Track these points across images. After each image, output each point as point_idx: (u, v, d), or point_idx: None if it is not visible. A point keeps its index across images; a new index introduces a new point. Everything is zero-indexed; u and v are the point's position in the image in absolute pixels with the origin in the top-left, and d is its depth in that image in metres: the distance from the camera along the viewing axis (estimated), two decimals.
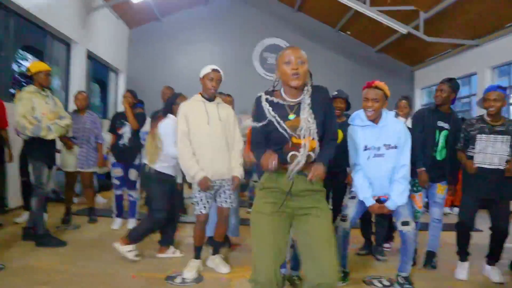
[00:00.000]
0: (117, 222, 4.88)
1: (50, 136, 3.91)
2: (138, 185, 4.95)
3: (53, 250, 3.83)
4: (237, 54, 11.22)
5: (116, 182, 4.85)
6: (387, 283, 3.31)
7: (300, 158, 1.98)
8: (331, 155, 2.11)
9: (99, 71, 9.91)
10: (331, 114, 2.14)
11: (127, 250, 3.56)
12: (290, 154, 2.01)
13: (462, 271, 3.51)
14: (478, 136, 3.41)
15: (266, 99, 2.07)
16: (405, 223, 3.07)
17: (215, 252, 3.56)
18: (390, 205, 3.03)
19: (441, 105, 3.71)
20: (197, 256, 3.41)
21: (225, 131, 3.26)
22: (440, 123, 3.69)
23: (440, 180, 3.70)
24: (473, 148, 3.44)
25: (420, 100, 11.69)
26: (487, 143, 3.38)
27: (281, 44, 11.36)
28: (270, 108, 2.05)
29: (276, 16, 11.52)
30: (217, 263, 3.50)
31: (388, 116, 3.10)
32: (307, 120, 2.01)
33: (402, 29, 8.72)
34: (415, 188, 3.74)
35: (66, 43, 7.73)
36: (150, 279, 3.22)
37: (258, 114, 2.08)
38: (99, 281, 3.10)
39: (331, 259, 1.96)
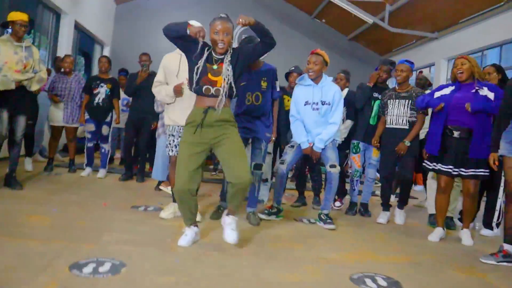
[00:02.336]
0: (86, 171, 5.59)
1: None
2: (109, 139, 5.73)
3: (39, 187, 4.50)
4: None
5: (88, 135, 5.61)
6: (313, 221, 4.07)
7: (220, 95, 2.72)
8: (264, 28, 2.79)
9: (85, 43, 10.44)
10: (246, 47, 2.91)
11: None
12: (205, 87, 2.74)
13: (383, 216, 4.26)
14: (388, 101, 4.19)
15: (208, 48, 2.80)
16: (332, 166, 3.82)
17: None
18: (315, 148, 3.81)
19: (381, 82, 4.51)
20: (175, 200, 3.58)
21: None
22: (375, 94, 4.48)
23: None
24: (387, 112, 4.21)
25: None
26: (394, 107, 4.15)
27: None
28: (207, 54, 2.78)
29: (256, 1, 12.13)
30: None
31: (327, 79, 3.90)
32: (226, 68, 2.75)
33: (368, 19, 9.46)
34: (354, 150, 4.56)
35: (56, 13, 8.26)
36: (117, 207, 3.91)
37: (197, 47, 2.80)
38: (77, 206, 3.76)
39: (242, 165, 2.72)
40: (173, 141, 3.57)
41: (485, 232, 4.02)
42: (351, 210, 4.59)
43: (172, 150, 3.57)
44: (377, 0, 9.40)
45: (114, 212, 3.67)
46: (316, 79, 3.83)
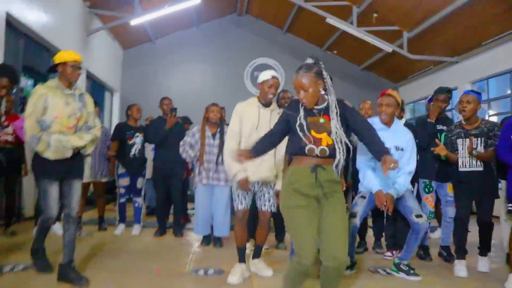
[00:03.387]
0: (120, 228, 5.16)
1: (47, 154, 3.03)
2: (142, 192, 5.30)
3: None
4: (229, 73, 11.63)
5: (122, 191, 5.17)
6: (390, 271, 3.62)
7: (338, 155, 2.31)
8: (382, 142, 2.37)
9: (96, 91, 10.16)
10: (355, 115, 2.40)
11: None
12: (308, 147, 2.30)
13: (462, 268, 3.64)
14: (457, 141, 3.73)
15: (302, 104, 2.38)
16: (418, 216, 3.40)
17: (256, 255, 3.53)
18: (392, 192, 3.32)
19: (440, 113, 4.13)
20: (241, 259, 3.34)
21: None
22: (439, 127, 4.10)
23: (448, 179, 4.01)
24: (457, 152, 3.75)
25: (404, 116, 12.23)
26: (464, 147, 3.67)
27: (271, 64, 11.86)
28: (302, 109, 2.38)
29: (266, 37, 12.02)
30: (259, 267, 3.47)
31: (399, 122, 3.56)
32: (335, 126, 2.31)
33: (387, 47, 9.27)
34: (426, 190, 4.12)
35: None
36: (173, 273, 3.46)
37: (291, 110, 2.42)
38: (128, 276, 3.32)
39: (341, 244, 2.27)
40: (242, 193, 3.26)
41: None
42: (428, 255, 4.16)
43: (242, 203, 3.29)
44: (393, 29, 9.25)
45: (174, 281, 3.23)
46: (388, 122, 3.48)
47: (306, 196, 2.31)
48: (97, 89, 10.10)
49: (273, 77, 3.27)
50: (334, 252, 2.25)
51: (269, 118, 3.27)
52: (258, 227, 3.49)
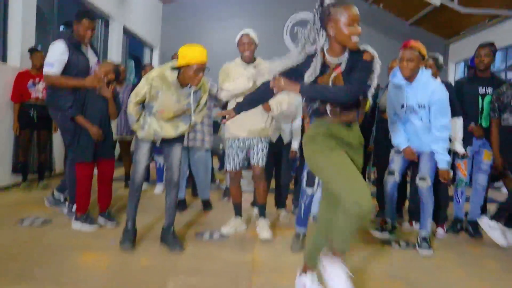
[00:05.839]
0: (143, 186, 5.21)
1: (138, 134, 3.13)
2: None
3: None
4: (267, 29, 11.18)
5: None
6: (403, 244, 3.47)
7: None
8: (321, 91, 2.06)
9: (135, 47, 10.28)
10: (360, 68, 2.03)
11: None
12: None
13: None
14: None
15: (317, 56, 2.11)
16: (422, 178, 3.22)
17: (261, 214, 3.53)
18: (441, 167, 3.19)
19: (483, 70, 3.75)
20: (236, 213, 3.57)
21: None
22: (481, 90, 3.74)
23: (487, 146, 3.73)
24: (510, 114, 3.45)
25: (455, 75, 11.44)
26: None
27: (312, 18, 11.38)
28: (319, 65, 2.10)
29: None
30: (260, 226, 3.45)
31: (424, 74, 3.16)
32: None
33: (436, 1, 8.56)
34: (460, 155, 3.81)
35: (105, 20, 8.08)
36: (181, 236, 3.49)
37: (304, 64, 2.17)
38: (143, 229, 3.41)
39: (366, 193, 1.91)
40: (231, 155, 3.50)
41: None
42: (453, 227, 3.88)
43: (230, 164, 3.48)
44: None
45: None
46: (410, 76, 3.16)
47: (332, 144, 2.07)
48: (135, 44, 10.19)
49: (243, 35, 3.35)
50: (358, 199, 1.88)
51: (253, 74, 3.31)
52: (254, 185, 3.62)
